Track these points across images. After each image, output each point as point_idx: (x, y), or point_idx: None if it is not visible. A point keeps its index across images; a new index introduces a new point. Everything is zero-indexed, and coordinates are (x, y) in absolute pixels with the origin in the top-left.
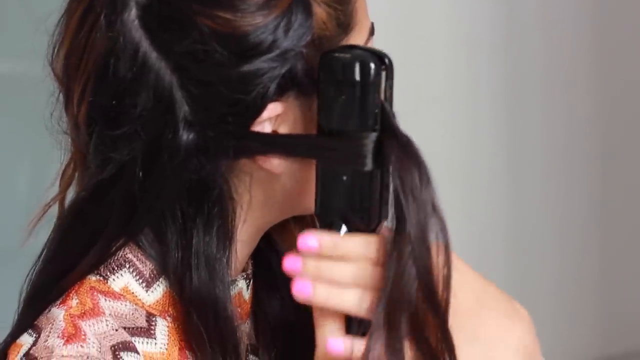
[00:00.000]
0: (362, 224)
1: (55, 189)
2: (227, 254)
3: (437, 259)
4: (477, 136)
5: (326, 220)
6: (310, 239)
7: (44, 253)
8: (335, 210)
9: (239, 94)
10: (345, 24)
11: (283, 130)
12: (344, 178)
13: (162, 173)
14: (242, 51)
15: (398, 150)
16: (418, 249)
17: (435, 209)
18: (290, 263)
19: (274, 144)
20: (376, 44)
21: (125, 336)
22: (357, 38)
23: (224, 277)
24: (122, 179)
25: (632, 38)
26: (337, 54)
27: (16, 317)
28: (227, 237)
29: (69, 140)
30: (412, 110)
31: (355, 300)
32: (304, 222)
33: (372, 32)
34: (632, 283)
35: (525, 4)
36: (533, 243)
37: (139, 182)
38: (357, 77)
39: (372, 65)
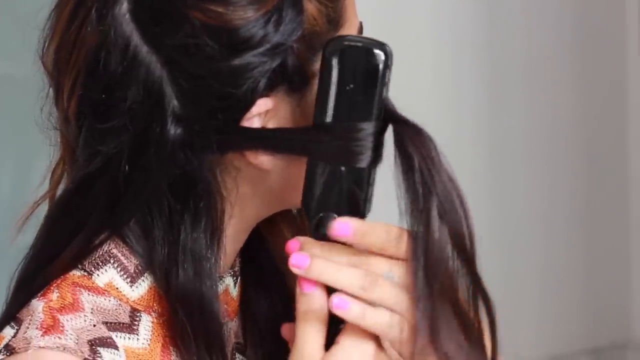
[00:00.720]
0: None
1: (44, 187)
2: (215, 250)
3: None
4: (460, 136)
5: (316, 214)
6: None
7: (32, 246)
8: (327, 204)
9: (229, 87)
10: (335, 21)
11: (271, 126)
12: (339, 171)
13: (148, 166)
14: (232, 45)
15: (412, 131)
16: (449, 213)
17: (453, 178)
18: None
19: (264, 138)
20: None
21: (103, 332)
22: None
23: (212, 274)
24: (108, 171)
25: (613, 35)
26: (348, 42)
27: (3, 308)
28: (215, 233)
29: (58, 136)
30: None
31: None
32: (290, 217)
33: (360, 30)
34: (616, 277)
35: (507, 3)
36: (518, 238)
37: (124, 174)
38: (376, 63)
39: (387, 52)
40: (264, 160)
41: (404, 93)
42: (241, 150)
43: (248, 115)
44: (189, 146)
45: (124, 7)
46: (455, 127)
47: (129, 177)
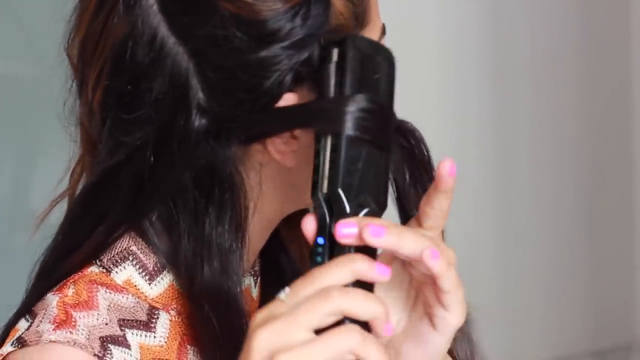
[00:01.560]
0: (378, 207)
1: (63, 186)
2: (239, 244)
3: None
4: (465, 136)
5: (356, 197)
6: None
7: (54, 238)
8: (355, 190)
9: (256, 79)
10: (361, 18)
11: None
12: (363, 153)
13: (172, 158)
14: (260, 37)
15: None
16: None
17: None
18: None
19: (288, 117)
20: None
21: (115, 330)
22: (371, 35)
23: (237, 270)
24: (132, 163)
25: (618, 36)
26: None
27: (23, 298)
28: (239, 227)
29: (78, 133)
30: (401, 109)
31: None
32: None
33: (383, 32)
34: (619, 279)
35: (512, 3)
36: (522, 240)
37: (149, 165)
38: (393, 59)
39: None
40: (287, 156)
41: (409, 97)
42: (267, 137)
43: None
44: (214, 139)
45: None
46: (460, 130)
47: (152, 168)
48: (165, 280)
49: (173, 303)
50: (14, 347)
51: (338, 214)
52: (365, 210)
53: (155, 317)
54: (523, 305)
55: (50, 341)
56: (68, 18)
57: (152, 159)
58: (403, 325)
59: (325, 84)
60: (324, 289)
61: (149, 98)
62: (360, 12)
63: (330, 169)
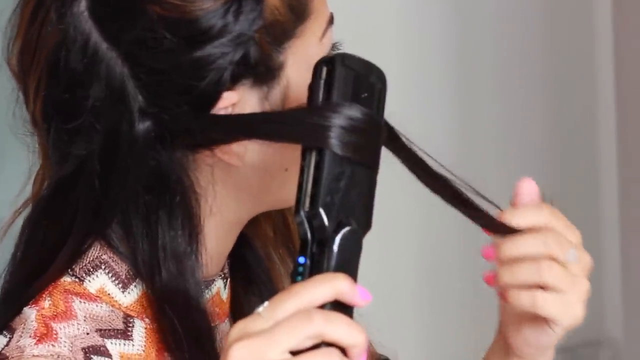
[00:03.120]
0: (360, 227)
1: (25, 194)
2: (194, 248)
3: None
4: (430, 139)
5: (336, 217)
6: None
7: (12, 256)
8: (336, 209)
9: (191, 80)
10: (299, 11)
11: None
12: (347, 172)
13: (123, 165)
14: (192, 37)
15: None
16: None
17: None
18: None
19: (237, 126)
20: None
21: (97, 340)
22: (314, 26)
23: (194, 272)
24: (83, 174)
25: (583, 31)
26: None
27: None
28: (193, 230)
29: (36, 142)
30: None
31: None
32: (271, 216)
33: (331, 21)
34: (597, 278)
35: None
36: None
37: (100, 176)
38: (381, 81)
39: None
40: (233, 155)
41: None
42: (215, 145)
43: (214, 109)
44: (160, 142)
45: (82, 5)
46: (425, 130)
47: (104, 178)
48: (138, 288)
49: (147, 311)
50: None
51: (318, 232)
52: (345, 229)
53: (131, 325)
54: (492, 302)
55: (33, 356)
56: (3, 28)
57: (104, 167)
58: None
59: (313, 100)
60: (306, 310)
61: (87, 106)
62: (298, 5)
63: (313, 186)
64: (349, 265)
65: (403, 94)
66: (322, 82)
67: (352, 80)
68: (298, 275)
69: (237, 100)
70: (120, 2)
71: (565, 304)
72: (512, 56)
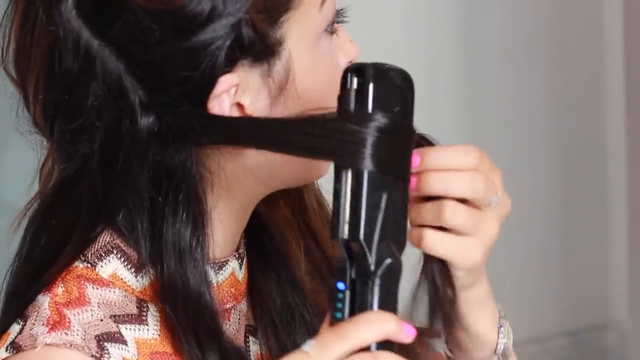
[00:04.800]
0: (399, 249)
1: (35, 187)
2: (200, 239)
3: None
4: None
5: (362, 252)
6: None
7: (18, 252)
8: (377, 238)
9: (186, 71)
10: None
11: (245, 101)
12: (385, 195)
13: (127, 161)
14: (179, 26)
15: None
16: None
17: None
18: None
19: (254, 135)
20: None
21: (110, 326)
22: (310, 4)
23: (198, 264)
24: (87, 172)
25: (592, 25)
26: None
27: None
28: (199, 220)
29: (38, 141)
30: None
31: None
32: (291, 196)
33: None
34: (594, 261)
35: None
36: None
37: (104, 173)
38: (409, 87)
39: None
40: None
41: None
42: (222, 145)
43: (214, 94)
44: (165, 135)
45: (69, 4)
46: (432, 130)
47: (109, 176)
48: (151, 272)
49: (158, 295)
50: (9, 352)
51: (359, 262)
52: (387, 262)
53: (145, 309)
54: (498, 288)
55: (46, 344)
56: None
57: (107, 164)
58: None
59: (345, 113)
60: (358, 356)
61: (87, 105)
62: None
63: (352, 214)
64: (391, 297)
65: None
66: (353, 94)
67: (385, 91)
68: (338, 302)
69: (238, 82)
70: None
71: (463, 246)
72: (520, 55)
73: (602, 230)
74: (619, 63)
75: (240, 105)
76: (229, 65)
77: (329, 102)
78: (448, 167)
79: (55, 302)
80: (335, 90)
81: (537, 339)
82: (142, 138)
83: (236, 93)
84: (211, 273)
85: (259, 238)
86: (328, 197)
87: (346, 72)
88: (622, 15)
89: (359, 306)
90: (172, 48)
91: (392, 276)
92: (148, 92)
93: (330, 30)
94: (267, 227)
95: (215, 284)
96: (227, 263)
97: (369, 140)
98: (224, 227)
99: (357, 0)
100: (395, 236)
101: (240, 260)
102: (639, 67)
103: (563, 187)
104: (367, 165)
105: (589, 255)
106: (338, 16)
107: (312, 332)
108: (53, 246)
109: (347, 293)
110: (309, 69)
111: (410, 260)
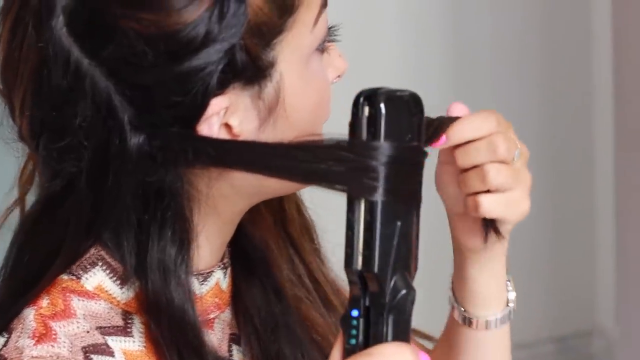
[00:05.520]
0: (411, 274)
1: (14, 193)
2: (185, 257)
3: None
4: None
5: (391, 277)
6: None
7: (3, 266)
8: (391, 268)
9: (177, 95)
10: (286, 5)
11: (234, 122)
12: (398, 223)
13: (117, 180)
14: (173, 51)
15: None
16: None
17: None
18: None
19: (255, 160)
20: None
21: (97, 338)
22: (305, 16)
23: (182, 280)
24: (74, 191)
25: (580, 30)
26: (399, 94)
27: None
28: (184, 239)
29: (20, 150)
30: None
31: None
32: (272, 204)
33: (324, 3)
34: (581, 267)
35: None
36: None
37: (93, 192)
38: (420, 111)
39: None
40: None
41: (368, 78)
42: (212, 167)
43: (204, 117)
44: (155, 155)
45: (60, 21)
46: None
47: (98, 195)
48: (136, 284)
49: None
50: None
51: (374, 299)
52: (402, 294)
53: (130, 321)
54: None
55: (33, 357)
56: None
57: (95, 185)
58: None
59: (358, 143)
60: None
61: (75, 124)
62: (283, 0)
63: (365, 247)
64: (405, 327)
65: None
66: (365, 122)
67: (396, 120)
68: (352, 329)
69: (229, 104)
70: (96, 19)
71: (512, 201)
72: (510, 53)
73: (589, 237)
74: (608, 70)
75: (228, 126)
76: (220, 88)
77: (319, 121)
78: (473, 138)
79: (40, 314)
80: (325, 108)
81: (524, 345)
82: (132, 158)
83: (225, 114)
84: (196, 284)
85: (243, 246)
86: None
87: (358, 98)
88: (610, 21)
89: (374, 335)
90: (164, 72)
91: (406, 306)
92: (137, 113)
93: (322, 49)
94: (250, 236)
95: (199, 295)
96: (211, 274)
97: (382, 172)
98: (209, 241)
99: (347, 9)
100: (408, 264)
101: (224, 270)
102: (627, 74)
103: (551, 194)
104: (381, 196)
105: (576, 262)
106: (330, 34)
107: (296, 340)
108: (38, 262)
109: (361, 320)
110: (299, 89)
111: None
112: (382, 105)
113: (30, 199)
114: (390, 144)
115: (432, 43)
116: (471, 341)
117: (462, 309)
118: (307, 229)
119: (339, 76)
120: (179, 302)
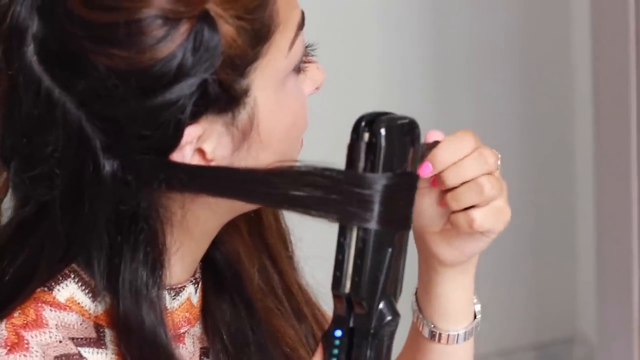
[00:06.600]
0: (396, 299)
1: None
2: (157, 280)
3: None
4: None
5: (379, 301)
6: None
7: None
8: (378, 295)
9: (149, 129)
10: (261, 34)
11: (208, 148)
12: (389, 250)
13: (92, 207)
14: (145, 86)
15: None
16: None
17: None
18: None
19: (235, 187)
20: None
21: (70, 348)
22: (280, 41)
23: (154, 302)
24: (47, 218)
25: (559, 31)
26: (399, 121)
27: None
28: (157, 261)
29: None
30: (342, 97)
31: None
32: (248, 216)
33: (301, 25)
34: (562, 274)
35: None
36: None
37: (67, 219)
38: (417, 136)
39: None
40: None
41: (350, 93)
42: (186, 192)
43: (177, 147)
44: (129, 181)
45: (31, 49)
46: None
47: (72, 221)
48: (107, 301)
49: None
50: None
51: (359, 322)
52: (387, 320)
53: (103, 334)
54: None
55: None
56: None
57: (68, 213)
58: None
59: (356, 173)
60: None
61: (47, 152)
62: (259, 28)
63: (355, 272)
64: (388, 352)
65: (383, 90)
66: (364, 148)
67: (395, 149)
68: (334, 348)
69: (202, 132)
70: (67, 53)
71: (497, 211)
72: (489, 52)
73: (570, 244)
74: (587, 73)
75: (201, 151)
76: (193, 118)
77: (293, 143)
78: (456, 160)
79: (12, 323)
80: (301, 127)
81: (504, 352)
82: (107, 184)
83: (198, 140)
84: (167, 299)
85: (213, 260)
86: None
87: (359, 122)
88: (589, 23)
89: (356, 357)
90: (136, 106)
91: (390, 332)
92: (110, 142)
93: (298, 69)
94: (221, 247)
95: (170, 310)
96: (183, 289)
97: (378, 201)
98: (182, 258)
99: (331, 15)
100: (395, 288)
101: (196, 285)
102: (606, 76)
103: (532, 201)
104: (374, 225)
105: (557, 269)
106: (306, 54)
107: (266, 356)
108: (11, 285)
109: (345, 340)
110: (273, 113)
111: None
112: (382, 135)
113: (5, 206)
114: (388, 173)
115: (413, 47)
116: (438, 355)
117: (432, 325)
118: (283, 235)
119: (317, 88)
120: (150, 325)
